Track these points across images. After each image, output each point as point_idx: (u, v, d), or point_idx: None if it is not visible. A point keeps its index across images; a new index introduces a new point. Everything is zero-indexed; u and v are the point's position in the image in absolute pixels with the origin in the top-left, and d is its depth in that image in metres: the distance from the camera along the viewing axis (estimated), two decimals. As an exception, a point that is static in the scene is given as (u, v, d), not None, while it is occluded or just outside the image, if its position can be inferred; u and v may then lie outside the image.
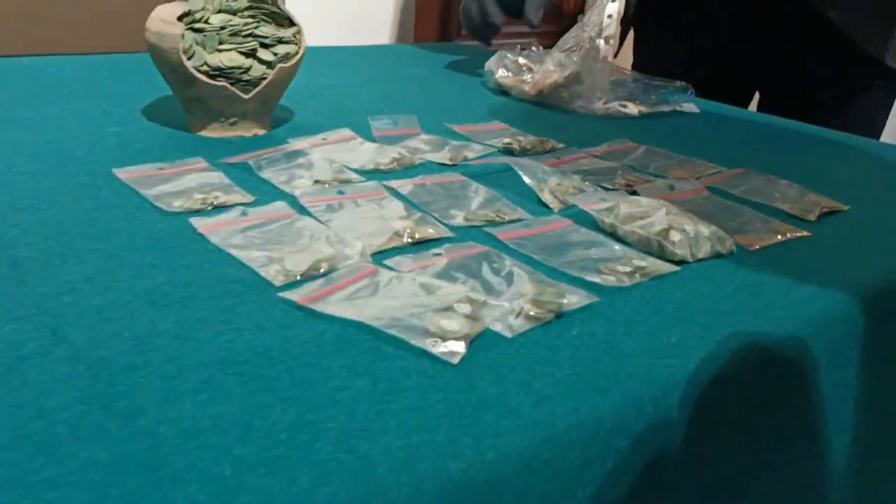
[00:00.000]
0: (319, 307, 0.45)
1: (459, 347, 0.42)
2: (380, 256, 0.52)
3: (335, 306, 0.45)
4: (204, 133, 0.75)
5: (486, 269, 0.51)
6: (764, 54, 1.16)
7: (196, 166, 0.65)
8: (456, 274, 0.50)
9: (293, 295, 0.46)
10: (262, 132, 0.77)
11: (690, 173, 0.73)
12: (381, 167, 0.69)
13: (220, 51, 0.71)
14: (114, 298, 0.44)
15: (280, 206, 0.58)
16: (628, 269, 0.52)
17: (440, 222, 0.58)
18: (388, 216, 0.58)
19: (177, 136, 0.74)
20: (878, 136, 1.13)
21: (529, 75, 0.98)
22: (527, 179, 0.64)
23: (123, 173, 0.63)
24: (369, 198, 0.61)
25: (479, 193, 0.64)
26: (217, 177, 0.63)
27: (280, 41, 0.74)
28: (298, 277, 0.48)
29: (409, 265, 0.51)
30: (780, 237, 0.60)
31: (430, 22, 1.65)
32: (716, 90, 1.11)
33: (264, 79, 0.73)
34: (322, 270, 0.49)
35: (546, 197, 0.63)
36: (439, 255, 0.53)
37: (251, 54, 0.72)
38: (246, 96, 0.72)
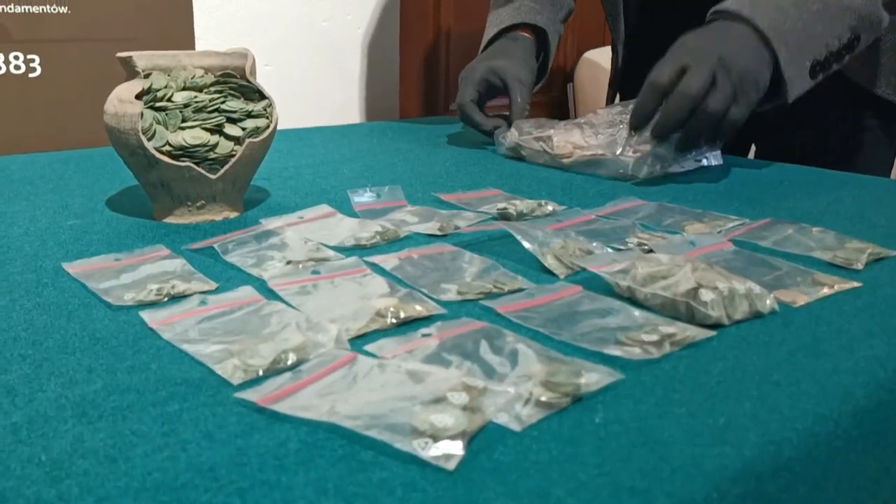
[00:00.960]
0: (283, 408, 0.37)
1: (456, 448, 0.33)
2: (359, 342, 0.44)
3: (303, 406, 0.37)
4: (170, 220, 0.68)
5: (484, 349, 0.43)
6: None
7: (156, 254, 0.58)
8: (449, 357, 0.42)
9: (253, 394, 0.38)
10: (233, 215, 0.70)
11: (710, 227, 0.65)
12: (363, 242, 0.62)
13: (182, 129, 0.65)
14: (35, 413, 0.37)
15: (245, 291, 0.51)
16: (654, 337, 0.44)
17: (430, 298, 0.51)
18: (369, 294, 0.50)
19: (140, 225, 0.67)
20: (887, 175, 1.06)
21: (555, 138, 0.93)
22: (526, 244, 0.57)
23: (74, 267, 0.56)
24: (348, 276, 0.54)
25: (473, 263, 0.57)
26: (178, 264, 0.56)
27: (249, 115, 0.68)
28: (261, 373, 0.40)
29: (393, 349, 0.43)
30: (826, 290, 0.52)
31: (415, 98, 1.61)
32: None
33: (232, 156, 0.66)
34: (290, 362, 0.41)
35: (550, 262, 0.56)
36: (429, 335, 0.45)
37: (217, 130, 0.66)
38: (213, 177, 0.66)
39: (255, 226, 0.65)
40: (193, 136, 0.64)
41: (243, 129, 0.67)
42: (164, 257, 0.57)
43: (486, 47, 1.13)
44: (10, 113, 1.06)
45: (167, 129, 0.64)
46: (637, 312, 0.48)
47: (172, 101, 0.65)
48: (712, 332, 0.46)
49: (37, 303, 0.50)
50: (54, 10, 1.07)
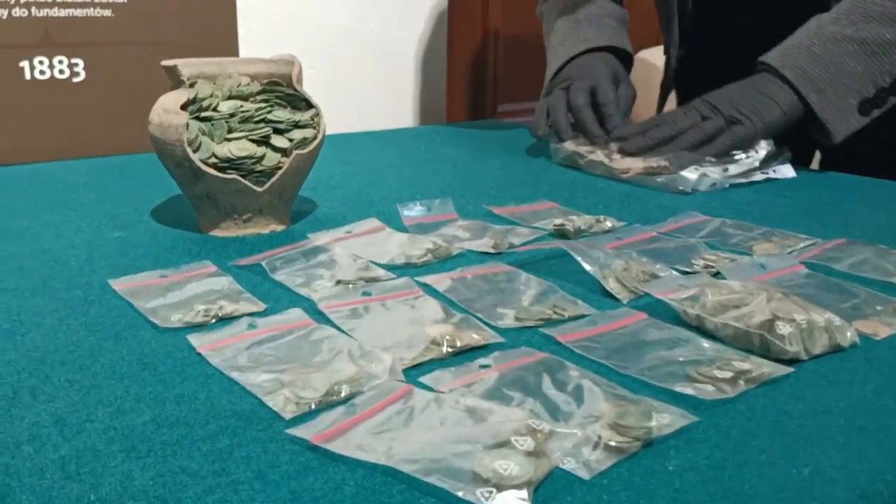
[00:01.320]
0: (338, 447, 0.35)
1: (522, 499, 0.31)
2: (414, 372, 0.42)
3: (358, 445, 0.35)
4: (216, 233, 0.67)
5: (547, 384, 0.41)
6: None
7: (203, 271, 0.57)
8: (510, 392, 0.40)
9: (306, 431, 0.36)
10: (280, 228, 0.68)
11: (780, 247, 0.62)
12: (414, 260, 0.59)
13: (228, 140, 0.63)
14: (84, 446, 0.35)
15: (295, 314, 0.49)
16: (728, 374, 0.42)
17: (486, 324, 0.48)
18: (422, 320, 0.48)
19: (186, 238, 0.66)
20: None
21: (616, 153, 0.89)
22: (587, 266, 0.54)
23: (120, 284, 0.54)
24: (400, 298, 0.52)
25: (530, 286, 0.54)
26: (225, 282, 0.55)
27: (296, 125, 0.66)
28: (313, 406, 0.38)
29: (450, 382, 0.41)
30: (910, 321, 0.49)
31: (463, 100, 1.59)
32: None
33: (279, 168, 0.65)
34: (343, 395, 0.39)
35: (612, 286, 0.53)
36: (487, 366, 0.42)
37: (264, 142, 0.64)
38: (260, 189, 0.64)
39: (302, 241, 0.63)
40: (240, 147, 0.63)
41: (290, 140, 0.65)
42: (210, 274, 0.56)
43: (567, 61, 1.06)
44: (55, 118, 1.06)
45: (213, 140, 0.63)
46: (707, 344, 0.45)
47: (218, 111, 0.63)
48: (790, 369, 0.43)
49: (84, 322, 0.49)
50: (98, 13, 1.06)
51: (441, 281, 0.55)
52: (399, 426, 0.37)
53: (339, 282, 0.55)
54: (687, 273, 0.56)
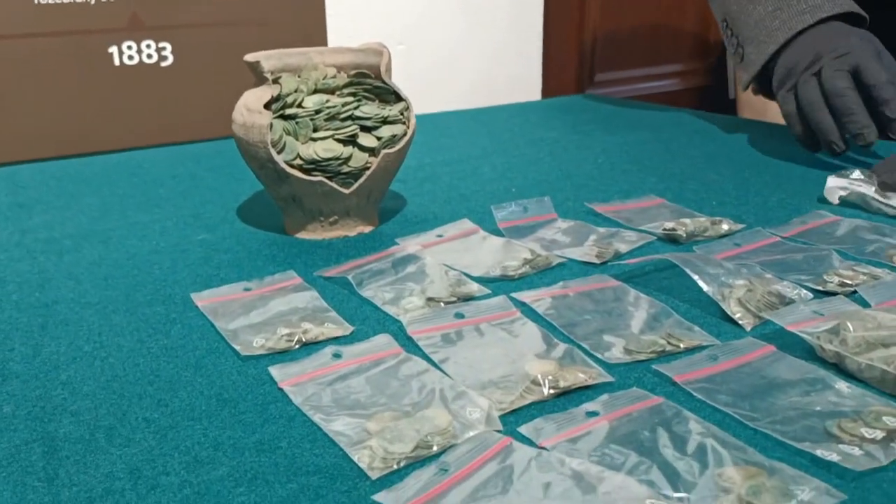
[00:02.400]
0: (429, 522, 0.31)
1: None
2: (512, 418, 0.38)
3: (452, 517, 0.31)
4: (302, 235, 0.64)
5: (664, 441, 0.36)
6: None
7: (287, 283, 0.54)
8: (621, 451, 0.35)
9: (394, 498, 0.32)
10: (368, 229, 0.65)
11: (924, 258, 0.54)
12: (510, 272, 0.55)
13: (314, 139, 0.60)
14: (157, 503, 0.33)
15: (383, 340, 0.45)
16: (878, 433, 0.36)
17: (592, 357, 0.44)
18: (521, 352, 0.44)
19: (271, 241, 0.63)
20: None
21: None
22: (704, 286, 0.48)
23: (203, 300, 0.52)
24: (497, 320, 0.48)
25: (640, 306, 0.49)
26: (310, 298, 0.52)
27: (385, 121, 0.62)
28: (402, 464, 0.35)
29: (553, 436, 0.36)
30: None
31: (560, 73, 1.51)
32: None
33: (367, 168, 0.61)
34: (435, 449, 0.36)
35: (734, 309, 0.47)
36: (595, 414, 0.38)
37: (351, 141, 0.61)
38: (347, 191, 0.61)
39: (391, 248, 0.59)
40: (325, 148, 0.59)
41: (378, 138, 0.61)
42: (295, 288, 0.53)
43: (793, 37, 0.82)
44: (144, 103, 1.06)
45: (298, 140, 0.60)
46: (848, 388, 0.39)
47: (303, 107, 0.60)
48: (954, 426, 0.36)
49: (164, 346, 0.47)
50: (183, -5, 1.05)
51: (540, 299, 0.50)
52: (496, 493, 0.33)
53: (429, 299, 0.51)
54: (819, 293, 0.50)
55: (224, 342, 0.47)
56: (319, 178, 0.60)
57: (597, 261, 0.56)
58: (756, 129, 0.97)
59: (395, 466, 0.35)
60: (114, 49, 1.02)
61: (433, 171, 0.83)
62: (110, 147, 1.02)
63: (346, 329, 0.48)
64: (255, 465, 0.35)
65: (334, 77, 0.62)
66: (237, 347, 0.46)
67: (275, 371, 0.43)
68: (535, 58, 1.45)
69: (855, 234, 0.59)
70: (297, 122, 0.60)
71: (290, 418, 0.39)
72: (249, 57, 0.62)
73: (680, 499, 0.32)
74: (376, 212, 0.66)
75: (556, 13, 1.46)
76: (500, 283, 0.54)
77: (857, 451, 0.35)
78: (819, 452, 0.35)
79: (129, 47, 1.03)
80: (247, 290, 0.53)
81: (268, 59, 0.61)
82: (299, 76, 0.62)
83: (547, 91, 1.47)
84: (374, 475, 0.34)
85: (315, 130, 0.60)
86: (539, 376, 0.41)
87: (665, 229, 0.61)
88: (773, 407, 0.38)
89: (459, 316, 0.48)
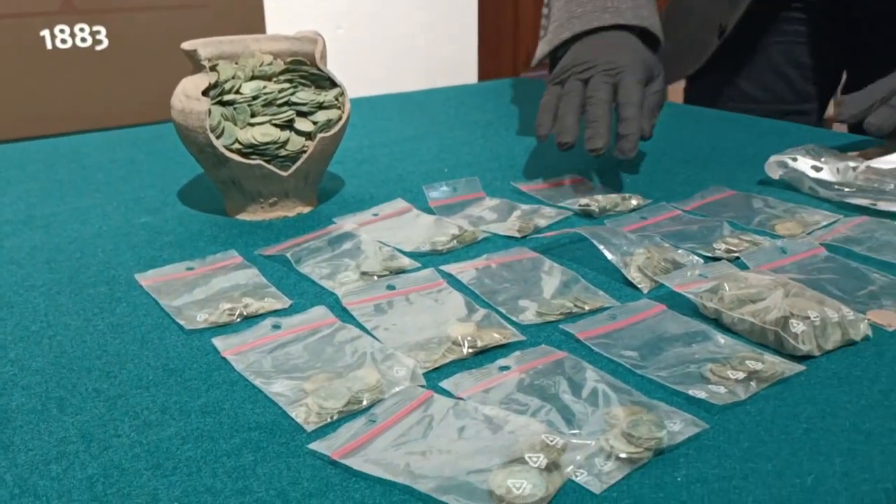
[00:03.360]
0: (357, 463, 0.36)
1: (535, 519, 0.32)
2: (435, 375, 0.43)
3: (378, 460, 0.36)
4: (243, 217, 0.67)
5: (564, 388, 0.41)
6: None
7: (228, 262, 0.58)
8: (527, 398, 0.40)
9: (326, 446, 0.37)
10: (307, 210, 0.69)
11: (802, 226, 0.61)
12: (439, 247, 0.60)
13: (252, 125, 0.63)
14: (111, 463, 0.37)
15: (319, 312, 0.50)
16: (741, 374, 0.42)
17: (508, 320, 0.49)
18: (445, 317, 0.49)
19: (212, 223, 0.67)
20: None
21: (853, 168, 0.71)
22: (608, 255, 0.54)
23: (146, 279, 0.56)
24: (424, 290, 0.52)
25: (553, 274, 0.54)
26: (250, 275, 0.56)
27: (320, 107, 0.66)
28: (335, 417, 0.39)
29: (469, 388, 0.41)
30: (925, 310, 0.48)
31: (496, 57, 1.56)
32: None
33: (304, 152, 0.65)
34: (364, 404, 0.40)
35: (633, 275, 0.53)
36: (507, 368, 0.43)
37: (287, 126, 0.64)
38: (285, 174, 0.65)
39: (329, 226, 0.63)
40: (263, 133, 0.63)
41: (314, 122, 0.65)
42: (236, 266, 0.57)
43: (586, 32, 0.84)
44: (79, 88, 1.06)
45: (236, 125, 0.63)
46: (723, 339, 0.45)
47: (241, 94, 0.63)
48: (802, 367, 0.43)
49: (111, 323, 0.50)
50: (121, -20, 1.06)
51: (465, 271, 0.55)
52: (418, 437, 0.38)
53: (363, 273, 0.55)
54: (708, 258, 0.56)
55: (169, 318, 0.50)
56: (258, 161, 0.63)
57: (518, 235, 0.61)
58: (669, 111, 1.04)
59: (329, 420, 0.39)
60: (46, 33, 1.03)
61: (371, 152, 0.87)
62: (46, 132, 1.03)
63: (284, 303, 0.52)
64: (200, 424, 0.39)
65: (270, 64, 0.65)
66: (181, 322, 0.49)
67: (218, 342, 0.47)
68: (471, 42, 1.49)
69: (746, 205, 0.66)
70: (235, 108, 0.63)
71: (232, 383, 0.43)
72: (186, 45, 0.65)
73: (573, 434, 0.37)
74: (315, 193, 0.70)
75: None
76: (429, 257, 0.59)
77: (722, 390, 0.40)
78: (691, 392, 0.40)
79: (62, 31, 1.04)
80: (189, 269, 0.57)
81: (205, 46, 0.64)
82: (236, 63, 0.65)
83: (483, 74, 1.52)
84: (309, 428, 0.39)
85: (253, 116, 0.63)
86: (459, 337, 0.46)
87: (580, 205, 0.66)
88: (659, 356, 0.44)
89: (391, 288, 0.52)
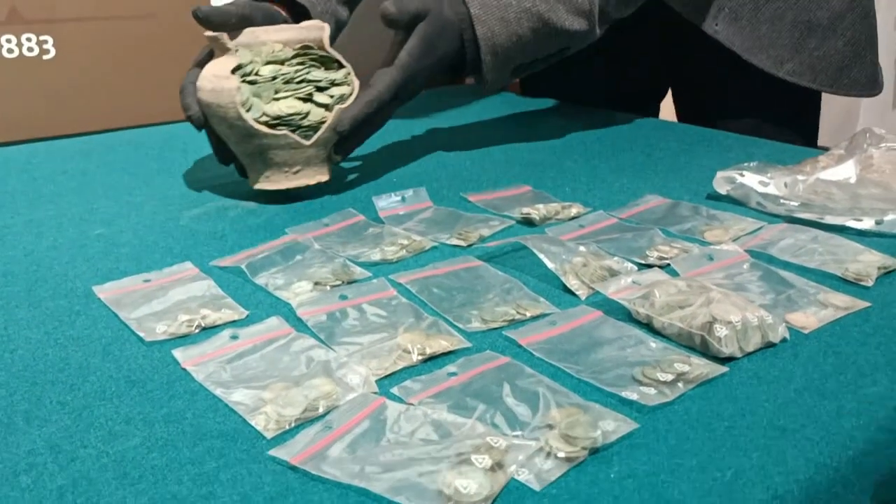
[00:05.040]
0: (315, 468, 0.38)
1: (480, 514, 0.35)
2: (387, 382, 0.46)
3: (334, 464, 0.39)
4: (266, 186, 0.74)
5: (506, 391, 0.44)
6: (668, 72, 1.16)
7: (185, 274, 0.60)
8: (473, 402, 0.43)
9: (285, 452, 0.39)
10: (324, 179, 0.76)
11: (729, 233, 0.65)
12: (389, 256, 0.62)
13: (276, 99, 0.70)
14: (79, 473, 0.39)
15: (274, 322, 0.52)
16: (669, 376, 0.45)
17: (454, 327, 0.52)
18: (395, 325, 0.52)
19: (167, 233, 0.68)
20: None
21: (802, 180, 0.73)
22: (548, 263, 0.57)
23: (104, 292, 0.57)
24: (375, 299, 0.55)
25: (496, 282, 0.58)
26: (206, 286, 0.57)
27: (333, 83, 0.73)
28: (293, 424, 0.42)
29: (419, 393, 0.44)
30: (835, 312, 0.53)
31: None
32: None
33: (323, 122, 0.72)
34: (320, 411, 0.43)
35: (571, 283, 0.56)
36: (454, 374, 0.46)
37: (308, 99, 0.72)
38: (307, 143, 0.72)
39: (281, 237, 0.65)
40: (288, 105, 0.70)
41: (331, 96, 0.72)
42: (192, 278, 0.59)
43: None
44: (26, 97, 1.06)
45: (262, 100, 0.70)
46: (654, 343, 0.49)
47: (260, 75, 0.70)
48: (725, 368, 0.46)
49: (71, 336, 0.52)
50: (67, -12, 1.06)
51: (414, 279, 0.58)
52: (371, 441, 0.40)
53: (316, 284, 0.58)
54: (642, 265, 0.59)
55: (128, 330, 0.52)
56: (284, 131, 0.70)
57: (463, 244, 0.65)
58: (606, 119, 1.08)
59: (288, 427, 0.42)
60: (-8, 43, 1.02)
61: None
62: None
63: (241, 313, 0.54)
64: (164, 433, 0.42)
65: (281, 50, 0.72)
66: (141, 334, 0.51)
67: (178, 353, 0.49)
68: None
69: (676, 213, 0.70)
70: (259, 86, 0.70)
71: (193, 393, 0.45)
72: (210, 34, 0.73)
73: (515, 435, 0.40)
74: (330, 164, 0.77)
75: None
76: (380, 267, 0.61)
77: (652, 391, 0.44)
78: (624, 393, 0.44)
79: (9, 41, 1.03)
80: (146, 281, 0.59)
81: (222, 35, 0.72)
82: (251, 51, 0.72)
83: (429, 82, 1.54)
84: (269, 435, 0.41)
85: (276, 92, 0.70)
86: (409, 345, 0.49)
87: (522, 214, 0.69)
88: (595, 360, 0.48)
89: (343, 297, 0.55)
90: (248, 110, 0.69)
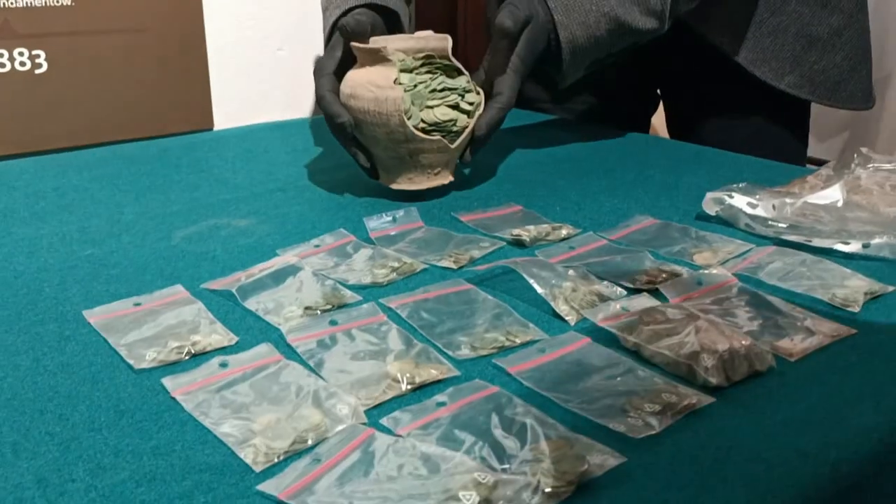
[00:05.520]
0: (303, 502, 0.38)
1: (467, 553, 0.35)
2: (376, 412, 0.46)
3: (322, 497, 0.39)
4: (407, 186, 0.80)
5: (495, 423, 0.44)
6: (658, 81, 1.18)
7: (175, 297, 0.60)
8: (461, 434, 0.43)
9: (273, 486, 0.40)
10: (451, 179, 0.82)
11: (717, 255, 0.66)
12: (380, 279, 0.62)
13: (430, 107, 0.76)
14: (68, 508, 0.39)
15: (264, 349, 0.52)
16: (657, 407, 0.46)
17: (444, 354, 0.52)
18: (385, 352, 0.52)
19: (157, 254, 0.68)
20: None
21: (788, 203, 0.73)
22: (537, 288, 0.58)
23: (94, 316, 0.57)
24: (365, 325, 0.55)
25: (486, 307, 0.58)
26: (196, 310, 0.57)
27: (466, 91, 0.78)
28: (281, 457, 0.42)
29: (408, 424, 0.44)
30: (822, 339, 0.53)
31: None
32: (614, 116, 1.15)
33: (466, 128, 0.78)
34: (309, 443, 0.43)
35: (561, 308, 0.57)
36: (443, 404, 0.46)
37: (455, 106, 0.77)
38: (453, 146, 0.77)
39: (272, 259, 0.65)
40: (442, 113, 0.76)
41: (469, 103, 0.78)
42: (183, 301, 0.59)
43: (331, 34, 0.88)
44: (18, 111, 1.06)
45: (417, 108, 0.75)
46: (642, 372, 0.49)
47: (406, 84, 0.75)
48: (712, 399, 0.47)
49: (60, 363, 0.52)
50: (59, 2, 1.05)
51: (404, 304, 0.58)
52: (360, 474, 0.40)
53: (307, 308, 0.58)
54: (631, 290, 0.60)
55: (118, 357, 0.52)
56: (438, 137, 0.76)
57: (454, 266, 0.65)
58: (597, 134, 1.08)
59: (276, 460, 0.42)
60: (-17, 57, 1.02)
61: (313, 179, 0.89)
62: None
63: (231, 339, 0.54)
64: (153, 467, 0.42)
65: (403, 60, 0.77)
66: (131, 361, 0.51)
67: (167, 382, 0.49)
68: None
69: (666, 234, 0.70)
70: (413, 94, 0.75)
71: (183, 424, 0.45)
72: (366, 46, 0.78)
73: (504, 469, 0.41)
74: (455, 168, 0.82)
75: (425, 8, 1.54)
76: (370, 290, 0.61)
77: (639, 423, 0.44)
78: (611, 425, 0.44)
79: (1, 55, 1.03)
80: (137, 305, 0.59)
81: (371, 45, 0.78)
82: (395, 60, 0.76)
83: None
84: (258, 468, 0.41)
85: (428, 100, 0.76)
86: (398, 374, 0.49)
87: (513, 235, 0.70)
88: (583, 390, 0.48)
89: (333, 323, 0.55)
90: (409, 118, 0.74)
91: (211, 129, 1.18)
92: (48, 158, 0.99)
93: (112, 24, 1.09)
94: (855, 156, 0.79)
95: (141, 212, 0.79)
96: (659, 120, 1.27)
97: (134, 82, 1.11)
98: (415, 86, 0.75)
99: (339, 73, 0.82)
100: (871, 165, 0.77)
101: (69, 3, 1.06)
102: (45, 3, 1.05)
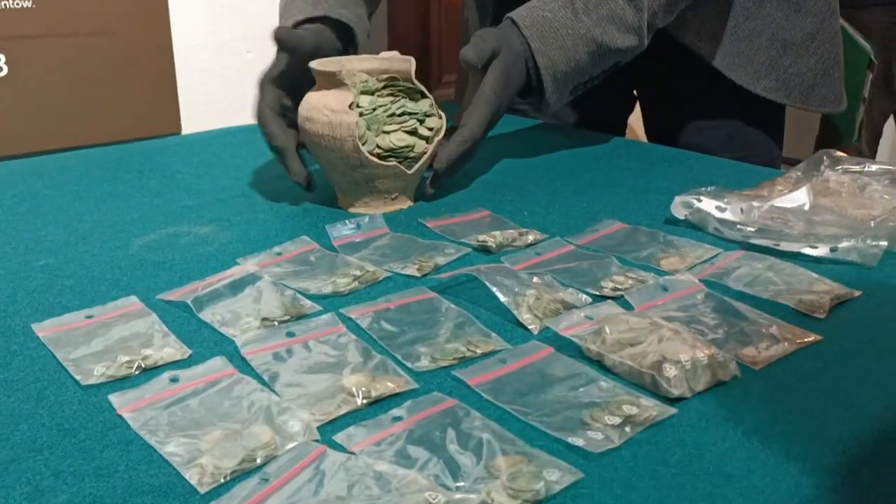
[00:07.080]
0: (249, 526, 0.37)
1: (416, 577, 0.34)
2: (330, 427, 0.45)
3: (268, 521, 0.37)
4: (363, 210, 0.77)
5: (451, 438, 0.43)
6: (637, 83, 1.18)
7: (128, 309, 0.58)
8: (416, 451, 0.42)
9: (219, 509, 0.38)
10: (411, 203, 0.80)
11: (685, 261, 0.65)
12: (341, 288, 0.61)
13: (386, 133, 0.74)
14: (2, 534, 0.37)
15: (217, 363, 0.50)
16: (617, 419, 0.44)
17: (402, 366, 0.51)
18: (342, 365, 0.50)
19: (113, 264, 0.66)
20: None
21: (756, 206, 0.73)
22: (500, 297, 0.57)
23: (43, 330, 0.55)
24: (323, 336, 0.54)
25: (449, 317, 0.56)
26: (150, 323, 0.56)
27: (426, 115, 0.76)
28: (228, 477, 0.41)
29: (361, 441, 0.43)
30: (786, 346, 0.52)
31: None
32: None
33: (425, 153, 0.76)
34: (258, 462, 0.42)
35: (524, 317, 0.55)
36: (399, 419, 0.45)
37: (413, 132, 0.75)
38: (410, 172, 0.76)
39: (231, 268, 0.64)
40: (399, 139, 0.74)
41: (429, 128, 0.76)
42: (136, 314, 0.57)
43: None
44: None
45: (373, 133, 0.73)
46: (605, 382, 0.48)
47: (361, 106, 0.73)
48: (674, 410, 0.46)
49: (5, 379, 0.50)
50: (19, 5, 1.03)
51: (364, 314, 0.57)
52: (309, 496, 0.39)
53: (264, 319, 0.56)
54: (597, 297, 0.59)
55: (66, 372, 0.50)
56: (394, 163, 0.74)
57: (418, 274, 0.63)
58: (570, 137, 1.07)
59: (223, 480, 0.40)
60: (-59, 61, 1.00)
61: (276, 185, 0.87)
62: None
63: (184, 352, 0.52)
64: (94, 490, 0.40)
65: (365, 82, 0.75)
66: (78, 377, 0.49)
67: (114, 398, 0.47)
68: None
69: (633, 240, 0.69)
70: (369, 118, 0.73)
71: (127, 443, 0.44)
72: (315, 64, 0.76)
73: (458, 487, 0.39)
74: (414, 192, 0.81)
75: (400, 14, 1.53)
76: (331, 300, 0.60)
77: (599, 436, 0.43)
78: (570, 439, 0.43)
79: (-41, 59, 1.01)
80: (88, 317, 0.57)
81: (325, 66, 0.75)
82: (350, 83, 0.74)
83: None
84: (203, 489, 0.40)
85: (384, 125, 0.74)
86: (354, 388, 0.47)
87: (478, 241, 0.68)
88: (544, 402, 0.47)
89: (290, 335, 0.54)
90: (363, 143, 0.73)
91: (179, 133, 1.16)
92: (8, 164, 0.97)
93: (75, 26, 1.07)
94: (824, 158, 0.78)
95: (100, 219, 0.77)
96: (636, 120, 1.27)
97: (99, 86, 1.10)
98: (374, 109, 0.73)
99: (286, 84, 0.82)
100: (839, 167, 0.77)
101: (30, 5, 1.04)
102: (5, 5, 1.03)
